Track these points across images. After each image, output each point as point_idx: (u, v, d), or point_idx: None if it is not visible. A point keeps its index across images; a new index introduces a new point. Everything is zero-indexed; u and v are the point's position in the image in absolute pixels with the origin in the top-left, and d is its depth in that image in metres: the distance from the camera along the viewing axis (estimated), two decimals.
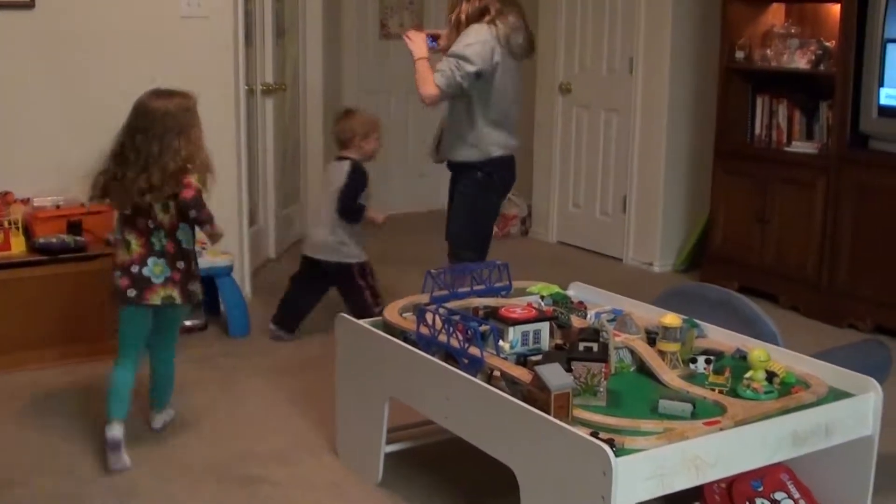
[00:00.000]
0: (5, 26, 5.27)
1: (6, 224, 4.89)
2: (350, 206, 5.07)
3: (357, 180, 5.10)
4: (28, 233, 5.01)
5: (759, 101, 6.48)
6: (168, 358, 4.10)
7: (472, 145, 4.77)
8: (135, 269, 3.79)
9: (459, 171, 4.84)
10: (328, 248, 5.14)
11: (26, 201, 5.20)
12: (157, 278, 3.80)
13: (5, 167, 5.30)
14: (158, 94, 3.83)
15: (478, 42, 4.60)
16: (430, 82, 4.60)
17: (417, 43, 4.79)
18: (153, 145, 3.71)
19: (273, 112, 6.93)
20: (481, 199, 4.85)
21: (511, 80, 4.75)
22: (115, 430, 3.76)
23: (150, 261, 3.80)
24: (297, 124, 7.68)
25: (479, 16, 4.65)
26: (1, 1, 5.20)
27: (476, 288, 3.91)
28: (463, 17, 4.67)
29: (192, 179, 3.75)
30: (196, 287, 3.92)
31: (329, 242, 5.13)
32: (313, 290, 5.29)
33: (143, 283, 3.78)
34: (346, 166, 5.13)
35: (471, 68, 4.58)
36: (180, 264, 3.85)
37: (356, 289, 5.15)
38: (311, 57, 7.75)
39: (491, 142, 4.78)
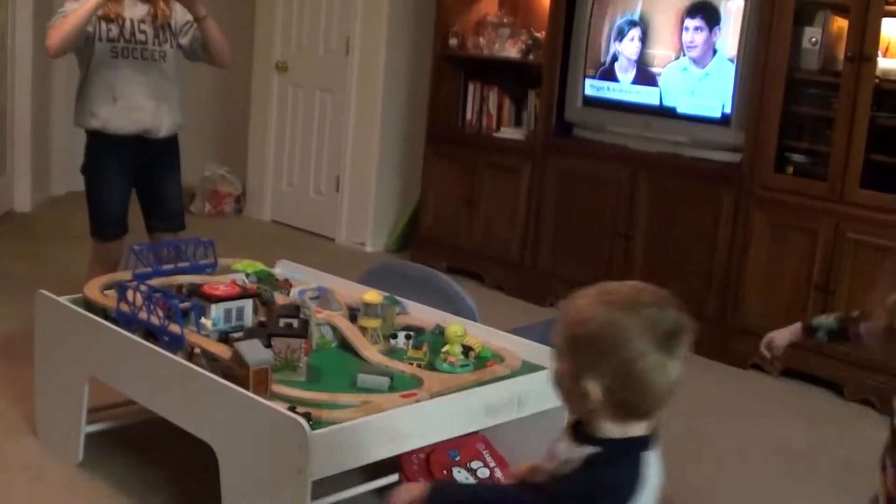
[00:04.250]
0: None
1: None
2: None
3: None
4: None
5: (470, 88, 6.65)
6: None
7: (179, 110, 4.59)
8: None
9: (169, 141, 4.58)
10: None
11: None
12: None
13: None
14: None
15: None
16: None
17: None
18: None
19: None
20: None
21: None
22: None
23: None
24: (3, 93, 7.37)
25: None
26: None
27: (181, 265, 3.87)
28: None
29: None
30: None
31: None
32: None
33: None
34: None
35: None
36: None
37: None
38: (21, 22, 7.43)
39: None
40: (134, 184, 4.54)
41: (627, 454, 1.80)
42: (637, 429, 1.81)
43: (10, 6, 7.34)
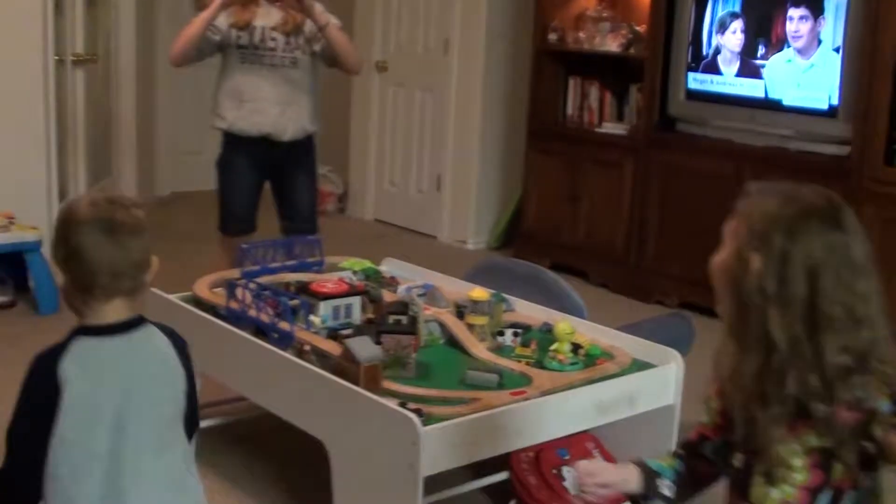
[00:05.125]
0: None
1: None
2: None
3: None
4: None
5: (571, 83, 6.61)
6: None
7: (317, 116, 4.70)
8: None
9: (297, 145, 4.67)
10: None
11: None
12: None
13: None
14: None
15: None
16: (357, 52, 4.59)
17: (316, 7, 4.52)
18: None
19: (84, 83, 6.75)
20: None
21: None
22: None
23: None
24: (108, 96, 7.51)
25: None
26: None
27: (288, 263, 3.90)
28: None
29: None
30: None
31: None
32: None
33: None
34: None
35: None
36: None
37: None
38: (125, 27, 7.57)
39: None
40: (268, 183, 4.68)
41: (66, 341, 2.03)
42: (101, 315, 2.03)
43: (114, 12, 7.47)
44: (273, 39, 4.47)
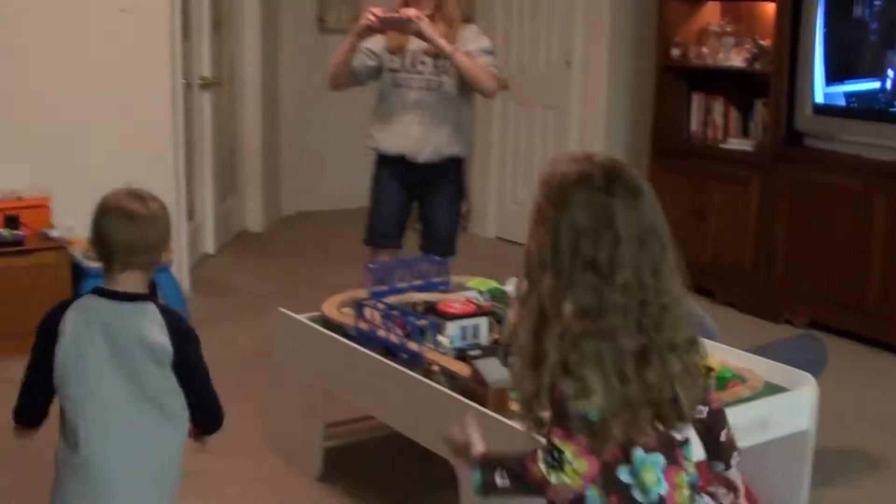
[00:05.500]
0: None
1: None
2: None
3: None
4: None
5: (695, 99, 6.53)
6: None
7: (465, 139, 4.74)
8: None
9: (434, 167, 4.70)
10: None
11: None
12: None
13: None
14: None
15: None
16: (491, 76, 4.61)
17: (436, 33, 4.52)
18: None
19: (211, 106, 6.88)
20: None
21: None
22: None
23: None
24: (233, 119, 7.64)
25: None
26: None
27: (415, 283, 3.91)
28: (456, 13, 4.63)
29: None
30: None
31: None
32: None
33: None
34: None
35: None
36: None
37: None
38: (249, 51, 7.71)
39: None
40: (413, 203, 4.80)
41: (79, 296, 2.52)
42: (117, 282, 2.47)
43: (239, 36, 7.61)
44: (423, 63, 4.54)
